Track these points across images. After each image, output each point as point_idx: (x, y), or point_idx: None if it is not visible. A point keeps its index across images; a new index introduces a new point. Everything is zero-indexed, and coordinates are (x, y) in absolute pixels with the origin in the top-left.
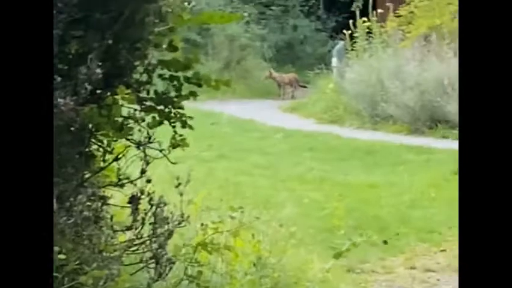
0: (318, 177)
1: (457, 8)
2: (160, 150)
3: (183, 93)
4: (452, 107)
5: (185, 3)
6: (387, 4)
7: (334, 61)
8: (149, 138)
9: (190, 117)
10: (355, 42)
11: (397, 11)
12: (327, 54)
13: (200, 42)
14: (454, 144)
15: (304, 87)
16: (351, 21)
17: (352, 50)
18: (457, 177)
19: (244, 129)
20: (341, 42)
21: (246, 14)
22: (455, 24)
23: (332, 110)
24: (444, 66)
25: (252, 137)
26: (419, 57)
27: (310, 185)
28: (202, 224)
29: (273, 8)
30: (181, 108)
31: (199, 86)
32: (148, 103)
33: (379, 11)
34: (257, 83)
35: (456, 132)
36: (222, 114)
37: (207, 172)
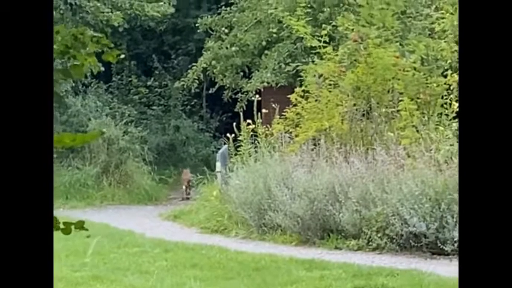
0: None
1: (345, 109)
2: None
3: None
4: (345, 216)
5: None
6: (273, 105)
7: (218, 166)
8: None
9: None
10: (239, 145)
11: (283, 113)
12: (211, 155)
13: (75, 147)
14: (348, 257)
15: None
16: (234, 124)
17: (236, 154)
18: None
19: (122, 242)
20: (225, 146)
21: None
22: (345, 126)
23: (216, 218)
24: (335, 172)
25: (129, 253)
26: (308, 162)
27: None
28: None
29: (153, 107)
30: None
31: None
32: None
33: (264, 111)
34: (137, 187)
35: (349, 243)
36: (99, 224)
37: None
